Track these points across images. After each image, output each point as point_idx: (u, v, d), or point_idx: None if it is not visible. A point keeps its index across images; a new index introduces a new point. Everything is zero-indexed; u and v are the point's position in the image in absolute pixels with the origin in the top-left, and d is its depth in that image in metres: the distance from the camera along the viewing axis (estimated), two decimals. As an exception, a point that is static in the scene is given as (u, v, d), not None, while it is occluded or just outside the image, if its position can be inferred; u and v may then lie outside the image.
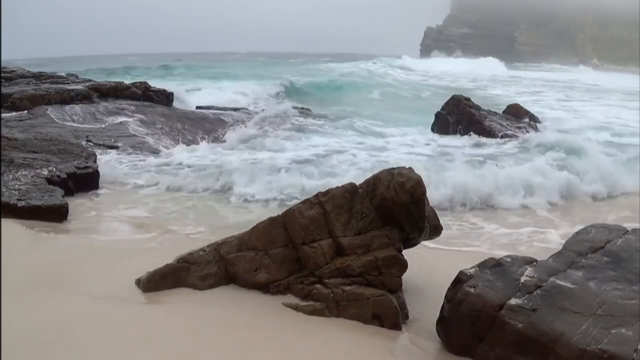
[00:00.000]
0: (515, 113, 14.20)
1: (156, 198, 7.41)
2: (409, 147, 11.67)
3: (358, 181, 4.78)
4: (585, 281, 3.88)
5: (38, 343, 3.58)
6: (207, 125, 12.60)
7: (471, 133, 12.19)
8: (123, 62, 43.81)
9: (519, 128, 12.70)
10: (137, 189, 7.76)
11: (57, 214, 6.27)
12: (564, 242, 4.63)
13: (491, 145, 11.47)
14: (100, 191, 7.60)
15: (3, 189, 6.40)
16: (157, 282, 4.53)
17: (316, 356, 3.80)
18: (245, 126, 13.03)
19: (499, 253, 5.02)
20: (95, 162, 8.27)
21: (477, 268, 4.10)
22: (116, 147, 9.94)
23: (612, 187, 8.41)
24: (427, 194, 4.59)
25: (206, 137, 11.71)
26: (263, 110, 15.43)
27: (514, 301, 3.68)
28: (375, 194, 4.56)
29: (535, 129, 13.23)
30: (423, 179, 4.50)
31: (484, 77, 38.50)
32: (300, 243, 4.51)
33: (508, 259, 4.19)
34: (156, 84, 16.07)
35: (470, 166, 8.90)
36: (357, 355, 3.85)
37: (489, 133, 11.92)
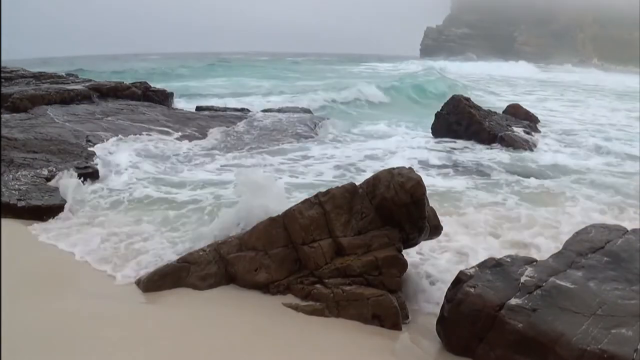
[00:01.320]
0: (515, 113, 14.22)
1: (152, 198, 7.38)
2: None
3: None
4: (585, 281, 3.88)
5: (38, 342, 3.59)
6: (203, 124, 12.52)
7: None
8: (157, 62, 43.11)
9: (526, 133, 12.52)
10: (134, 189, 7.73)
11: (57, 214, 6.26)
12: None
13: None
14: (100, 191, 7.58)
15: (3, 189, 6.40)
16: (157, 282, 4.53)
17: (316, 356, 3.79)
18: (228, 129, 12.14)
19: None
20: (95, 162, 8.27)
21: (477, 268, 4.10)
22: (116, 147, 9.93)
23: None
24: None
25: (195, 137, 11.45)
26: (262, 111, 15.19)
27: (514, 301, 3.68)
28: (375, 194, 4.57)
29: (536, 131, 13.20)
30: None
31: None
32: (300, 243, 4.51)
33: (508, 259, 4.19)
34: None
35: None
36: (357, 355, 3.85)
37: (489, 134, 11.83)
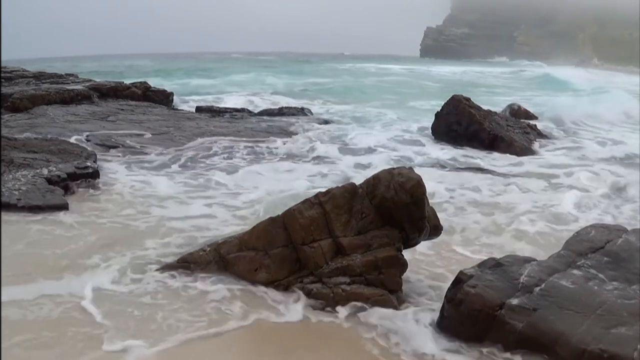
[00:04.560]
0: (515, 113, 14.22)
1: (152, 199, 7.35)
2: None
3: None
4: (585, 281, 3.88)
5: (39, 343, 3.60)
6: (202, 125, 12.40)
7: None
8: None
9: (526, 133, 12.40)
10: (135, 189, 7.72)
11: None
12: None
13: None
14: (100, 191, 7.58)
15: (3, 189, 6.40)
16: (157, 282, 4.53)
17: (316, 356, 3.80)
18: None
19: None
20: (95, 162, 8.26)
21: (477, 268, 4.10)
22: (116, 147, 9.94)
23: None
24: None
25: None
26: (258, 113, 14.92)
27: (514, 301, 3.69)
28: (375, 194, 4.57)
29: (539, 133, 13.13)
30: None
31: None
32: (300, 243, 4.51)
33: (508, 259, 4.19)
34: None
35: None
36: (357, 354, 3.85)
37: (489, 134, 11.79)
